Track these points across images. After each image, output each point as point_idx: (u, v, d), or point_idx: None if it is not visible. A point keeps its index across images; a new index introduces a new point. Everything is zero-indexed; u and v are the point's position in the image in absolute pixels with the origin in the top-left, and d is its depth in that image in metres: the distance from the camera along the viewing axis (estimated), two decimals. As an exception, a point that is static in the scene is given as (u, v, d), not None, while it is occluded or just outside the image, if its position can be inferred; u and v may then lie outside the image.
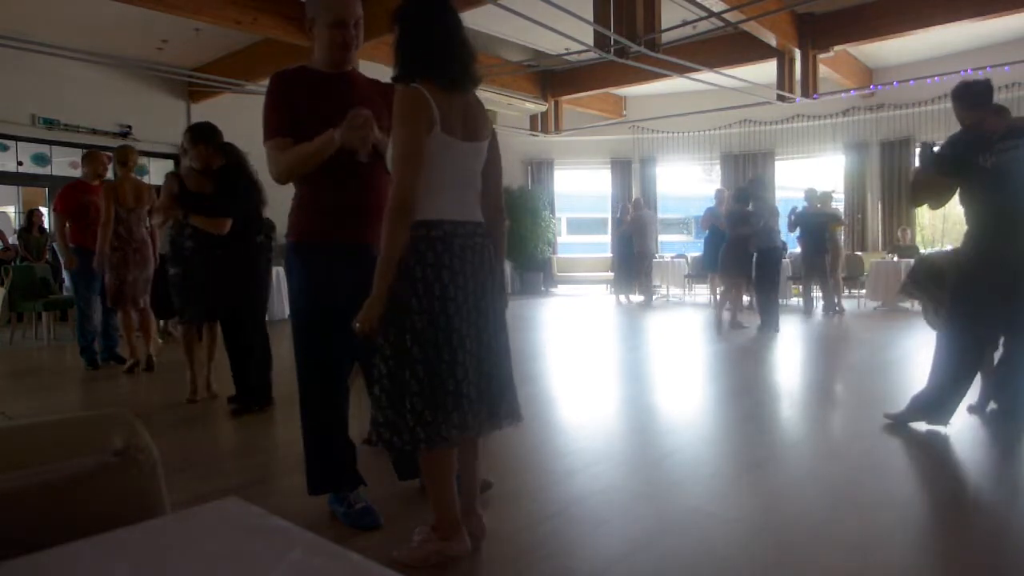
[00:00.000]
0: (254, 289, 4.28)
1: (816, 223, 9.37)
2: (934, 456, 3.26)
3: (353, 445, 2.54)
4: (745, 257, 7.78)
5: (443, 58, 2.00)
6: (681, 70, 8.93)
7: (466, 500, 2.22)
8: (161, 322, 6.80)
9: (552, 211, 14.17)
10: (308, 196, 2.39)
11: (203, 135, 4.22)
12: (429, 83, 1.97)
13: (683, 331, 8.07)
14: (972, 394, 3.73)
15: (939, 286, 3.87)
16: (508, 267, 12.47)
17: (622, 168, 14.28)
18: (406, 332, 1.95)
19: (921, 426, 3.69)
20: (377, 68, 3.24)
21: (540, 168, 14.43)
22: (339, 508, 2.45)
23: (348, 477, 2.48)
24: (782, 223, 8.60)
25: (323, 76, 2.39)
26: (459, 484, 2.32)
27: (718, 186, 11.50)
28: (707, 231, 10.15)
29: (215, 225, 4.14)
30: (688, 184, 17.07)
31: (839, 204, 12.33)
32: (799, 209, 9.66)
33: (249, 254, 4.27)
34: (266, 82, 2.42)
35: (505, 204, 2.26)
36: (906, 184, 11.74)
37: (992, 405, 3.81)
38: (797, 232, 9.62)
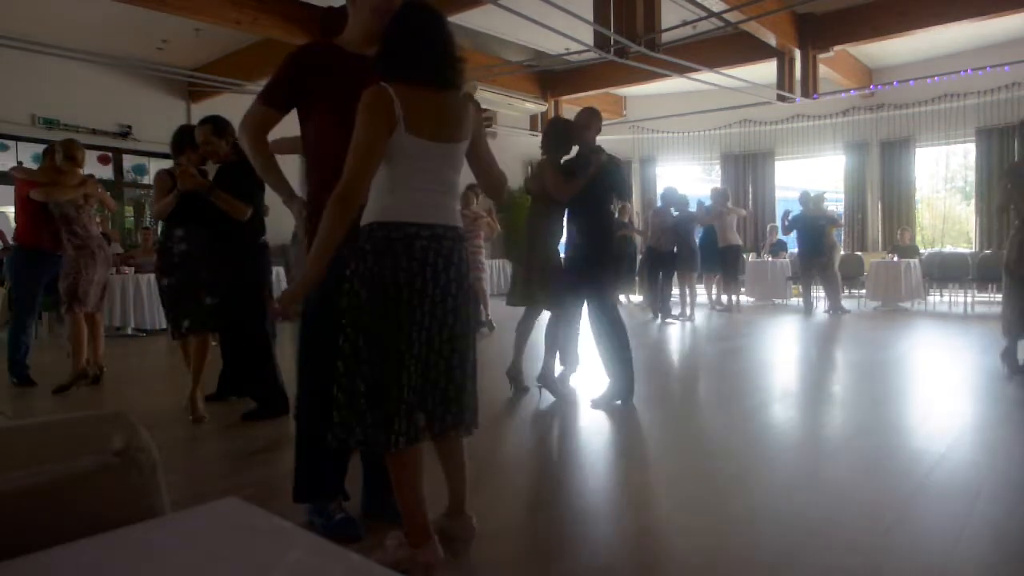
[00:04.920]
0: (256, 292, 4.06)
1: (815, 226, 9.37)
2: (935, 455, 3.26)
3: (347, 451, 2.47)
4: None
5: (416, 57, 1.94)
6: (681, 70, 8.93)
7: (453, 502, 2.18)
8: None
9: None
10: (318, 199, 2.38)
11: (229, 126, 3.94)
12: (400, 82, 1.93)
13: (682, 331, 8.07)
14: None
15: None
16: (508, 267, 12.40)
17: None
18: (360, 332, 1.93)
19: (923, 425, 3.69)
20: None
21: (540, 168, 14.42)
22: (318, 519, 2.34)
23: (339, 484, 2.41)
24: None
25: (347, 57, 2.25)
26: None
27: (715, 186, 11.43)
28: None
29: (238, 209, 3.89)
30: (688, 184, 17.03)
31: (838, 204, 12.35)
32: (793, 213, 9.69)
33: (249, 255, 4.07)
34: (266, 82, 2.40)
35: (506, 187, 2.26)
36: (905, 184, 11.77)
37: None
38: (793, 234, 9.66)
